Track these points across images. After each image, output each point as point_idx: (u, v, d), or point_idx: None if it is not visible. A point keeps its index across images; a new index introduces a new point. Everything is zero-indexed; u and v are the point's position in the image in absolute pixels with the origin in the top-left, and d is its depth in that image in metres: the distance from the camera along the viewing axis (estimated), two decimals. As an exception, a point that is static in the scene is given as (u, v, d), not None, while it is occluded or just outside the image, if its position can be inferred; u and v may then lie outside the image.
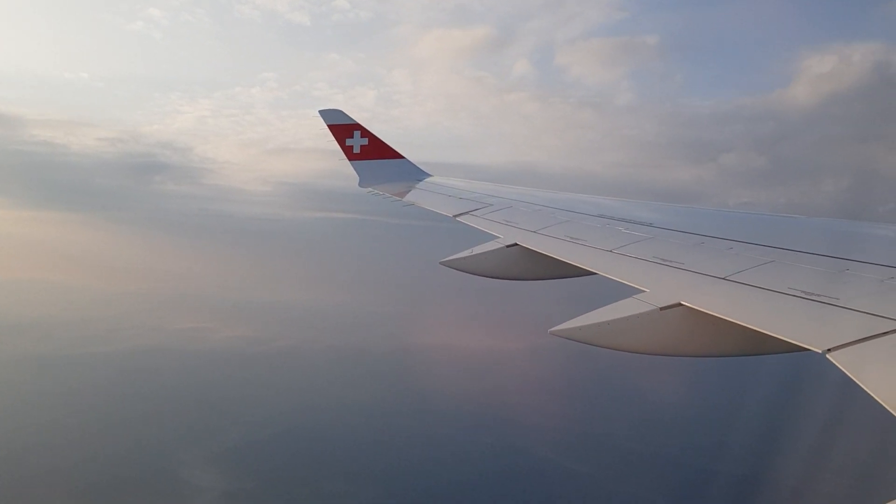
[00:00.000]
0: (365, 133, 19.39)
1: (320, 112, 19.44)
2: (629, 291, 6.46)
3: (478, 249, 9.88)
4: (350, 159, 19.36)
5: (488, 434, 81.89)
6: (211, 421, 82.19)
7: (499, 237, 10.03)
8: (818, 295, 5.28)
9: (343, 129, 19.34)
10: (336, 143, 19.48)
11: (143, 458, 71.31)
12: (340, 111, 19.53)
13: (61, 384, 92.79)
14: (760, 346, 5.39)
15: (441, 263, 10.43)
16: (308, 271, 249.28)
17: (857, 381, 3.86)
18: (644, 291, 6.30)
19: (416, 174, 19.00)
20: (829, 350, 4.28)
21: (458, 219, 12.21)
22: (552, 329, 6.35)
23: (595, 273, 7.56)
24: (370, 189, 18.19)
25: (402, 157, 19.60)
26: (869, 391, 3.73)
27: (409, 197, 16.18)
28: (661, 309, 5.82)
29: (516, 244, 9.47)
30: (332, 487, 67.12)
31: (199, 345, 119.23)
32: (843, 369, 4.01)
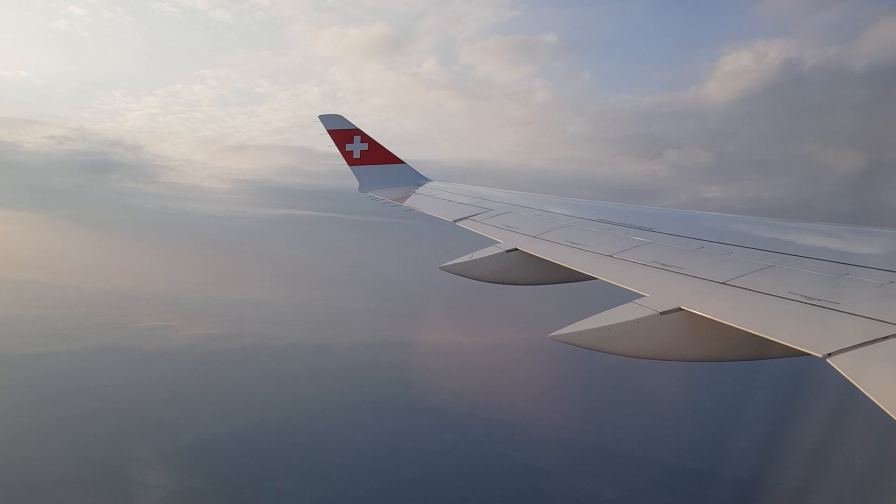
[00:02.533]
0: (365, 138, 19.40)
1: (320, 117, 19.46)
2: (629, 296, 6.46)
3: (478, 254, 9.88)
4: (350, 164, 19.37)
5: (453, 430, 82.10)
6: (169, 418, 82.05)
7: (499, 242, 10.02)
8: (818, 299, 5.27)
9: (343, 133, 19.36)
10: (331, 145, 19.50)
11: (94, 456, 71.07)
12: (341, 116, 19.55)
13: (21, 382, 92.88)
14: (761, 350, 5.38)
15: (441, 268, 10.42)
16: (273, 269, 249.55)
17: (858, 386, 3.85)
18: (644, 296, 6.30)
19: (415, 179, 19.00)
20: (829, 354, 4.28)
21: (457, 224, 12.21)
22: (552, 334, 6.34)
23: (595, 278, 7.55)
24: (370, 194, 18.18)
25: (401, 162, 19.62)
26: (870, 395, 3.72)
27: (409, 202, 16.18)
28: (662, 314, 5.82)
29: (516, 249, 9.46)
30: (280, 485, 67.01)
31: (162, 342, 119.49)
32: (844, 374, 4.00)
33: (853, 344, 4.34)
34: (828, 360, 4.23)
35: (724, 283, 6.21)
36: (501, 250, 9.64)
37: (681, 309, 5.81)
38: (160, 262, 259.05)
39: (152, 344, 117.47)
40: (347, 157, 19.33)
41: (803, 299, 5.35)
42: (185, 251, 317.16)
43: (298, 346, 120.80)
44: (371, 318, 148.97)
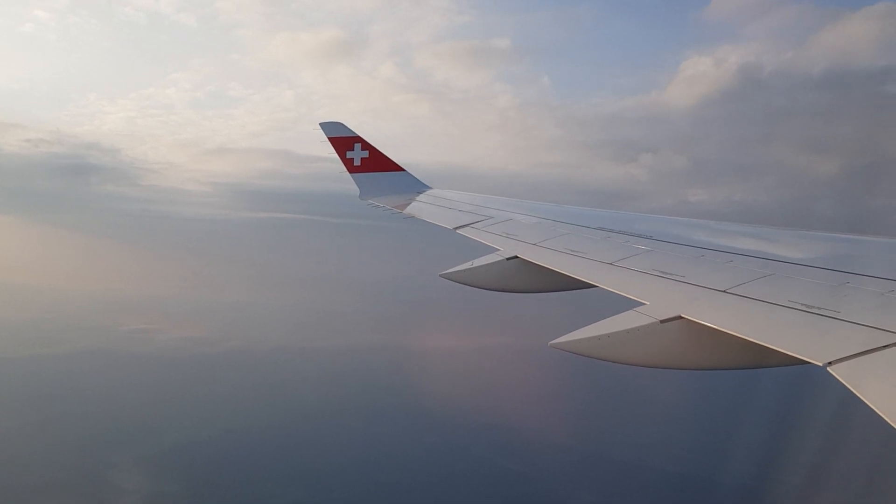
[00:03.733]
0: (366, 146, 19.43)
1: (321, 125, 19.49)
2: (629, 304, 6.46)
3: (478, 262, 9.88)
4: (350, 172, 19.39)
5: (437, 435, 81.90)
6: (150, 422, 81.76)
7: (499, 250, 10.03)
8: (819, 308, 5.27)
9: (344, 141, 19.39)
10: (335, 153, 19.52)
11: (72, 460, 70.79)
12: (341, 124, 19.59)
13: (1, 386, 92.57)
14: (761, 359, 5.38)
15: (441, 276, 10.43)
16: (257, 272, 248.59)
17: (858, 395, 3.85)
18: (644, 304, 6.30)
19: (416, 186, 19.03)
20: (829, 363, 4.27)
21: (458, 231, 12.22)
22: (552, 342, 6.34)
23: (595, 286, 7.55)
24: (371, 201, 18.21)
25: (402, 169, 19.65)
26: (870, 404, 3.72)
27: (410, 209, 16.20)
28: (662, 322, 5.82)
29: (516, 257, 9.47)
30: (258, 489, 66.80)
31: (146, 346, 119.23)
32: (844, 382, 4.00)
33: (853, 352, 4.34)
34: (828, 369, 4.23)
35: (724, 292, 6.21)
36: (501, 258, 9.65)
37: (681, 317, 5.81)
38: (144, 266, 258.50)
39: (136, 348, 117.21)
40: (348, 164, 19.36)
41: (803, 308, 5.35)
42: (169, 254, 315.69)
43: (283, 349, 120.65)
44: (358, 322, 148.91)
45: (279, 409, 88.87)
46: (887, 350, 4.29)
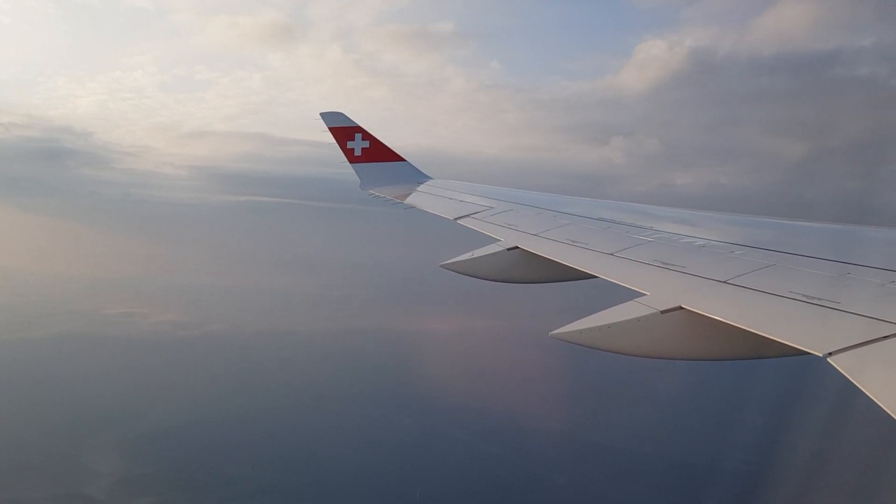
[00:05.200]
0: (366, 136, 19.40)
1: (322, 115, 19.44)
2: (630, 295, 6.46)
3: (478, 252, 9.88)
4: (351, 162, 19.36)
5: (415, 418, 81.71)
6: (129, 406, 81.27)
7: (499, 240, 10.03)
8: (819, 299, 5.28)
9: (344, 131, 19.35)
10: (336, 144, 19.48)
11: (47, 444, 70.50)
12: (342, 114, 19.54)
13: None
14: (761, 349, 5.39)
15: (441, 266, 10.43)
16: (240, 256, 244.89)
17: (858, 385, 3.86)
18: (645, 295, 6.30)
19: (416, 177, 19.02)
20: (830, 354, 4.28)
21: (458, 222, 12.21)
22: (553, 332, 6.35)
23: (596, 276, 7.56)
24: (371, 191, 18.20)
25: (403, 159, 19.63)
26: (870, 395, 3.73)
27: (410, 200, 16.20)
28: (662, 312, 5.83)
29: (517, 247, 9.47)
30: (231, 472, 66.61)
31: (128, 329, 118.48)
32: (844, 373, 4.01)
33: (854, 343, 4.35)
34: (828, 360, 4.24)
35: (724, 282, 6.22)
36: (502, 248, 9.65)
37: (681, 308, 5.82)
38: (125, 250, 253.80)
39: (118, 331, 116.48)
40: (348, 154, 19.33)
41: (804, 298, 5.36)
42: (150, 238, 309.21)
43: (266, 333, 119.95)
44: (344, 307, 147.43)
45: (259, 393, 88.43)
46: (887, 341, 4.30)
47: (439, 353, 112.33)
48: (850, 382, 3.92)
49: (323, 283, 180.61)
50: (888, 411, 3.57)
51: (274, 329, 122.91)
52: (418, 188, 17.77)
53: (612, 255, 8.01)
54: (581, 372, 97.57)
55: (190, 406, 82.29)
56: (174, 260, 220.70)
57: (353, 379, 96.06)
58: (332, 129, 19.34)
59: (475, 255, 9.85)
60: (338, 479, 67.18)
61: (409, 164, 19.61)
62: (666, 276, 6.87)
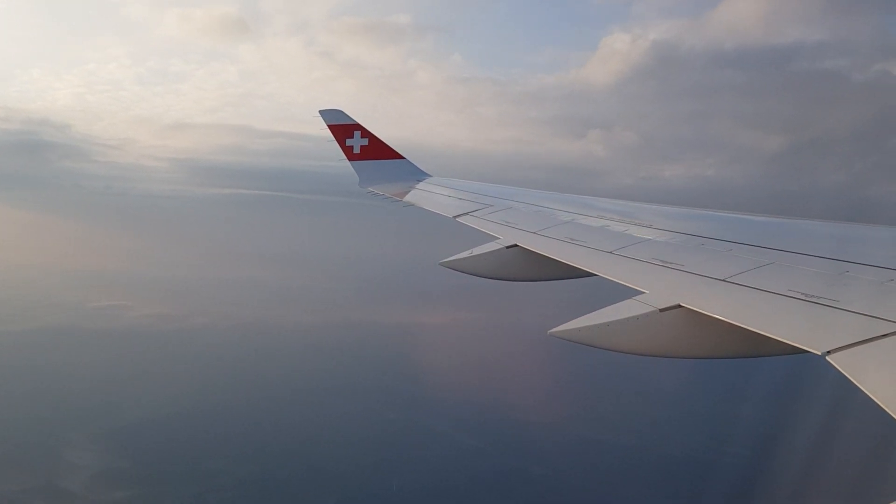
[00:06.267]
0: (365, 133, 19.40)
1: (321, 112, 19.43)
2: (629, 293, 6.46)
3: (477, 250, 9.89)
4: (350, 159, 19.37)
5: (394, 411, 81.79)
6: (112, 399, 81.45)
7: (498, 238, 10.03)
8: (818, 297, 5.28)
9: (343, 129, 19.34)
10: (336, 142, 19.47)
11: (27, 436, 70.77)
12: (341, 111, 19.53)
13: None
14: (760, 347, 5.39)
15: (440, 264, 10.44)
16: (224, 248, 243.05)
17: (857, 383, 3.86)
18: (643, 293, 6.31)
19: (415, 174, 19.04)
20: (828, 352, 4.29)
21: (457, 219, 12.22)
22: (551, 330, 6.35)
23: (595, 274, 7.56)
24: (371, 189, 18.22)
25: (402, 157, 19.64)
26: (868, 393, 3.73)
27: (409, 197, 16.21)
28: (661, 310, 5.83)
29: (516, 245, 9.47)
30: (210, 466, 66.72)
31: (113, 322, 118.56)
32: (843, 371, 4.01)
33: (852, 341, 4.35)
34: (827, 358, 4.24)
35: (723, 281, 6.22)
36: (501, 246, 9.65)
37: (680, 306, 5.82)
38: (110, 243, 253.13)
39: (103, 324, 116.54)
40: (347, 152, 19.33)
41: (802, 297, 5.36)
42: (135, 231, 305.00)
43: (249, 326, 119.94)
44: (332, 301, 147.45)
45: (241, 386, 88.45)
46: (886, 339, 4.30)
47: (430, 349, 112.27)
48: (849, 381, 3.93)
49: (310, 276, 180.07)
50: (886, 409, 3.58)
51: (258, 322, 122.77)
52: (417, 186, 17.79)
53: (610, 253, 8.02)
54: (576, 368, 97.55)
55: (172, 399, 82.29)
56: (159, 253, 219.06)
57: (338, 373, 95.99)
58: (331, 127, 19.34)
59: (474, 253, 9.85)
60: (316, 473, 67.31)
61: (408, 161, 19.63)
62: (664, 275, 6.87)
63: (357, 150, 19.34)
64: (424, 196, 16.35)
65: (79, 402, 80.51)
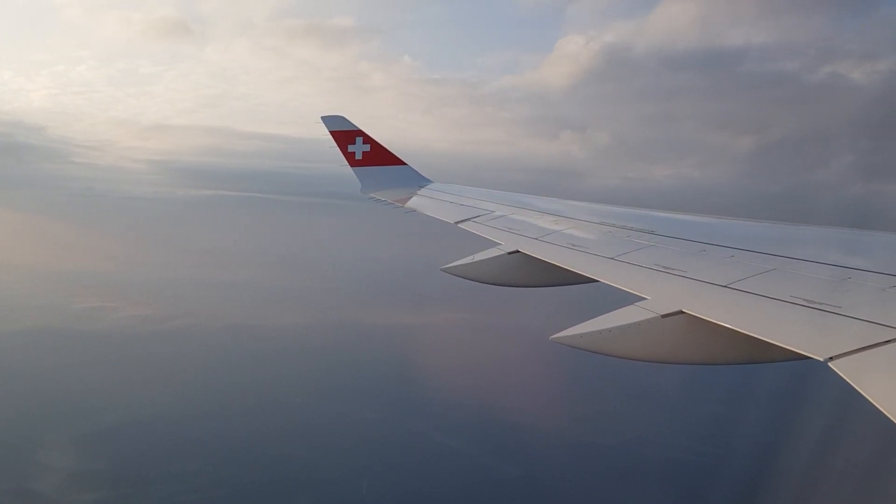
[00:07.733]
0: (367, 139, 19.43)
1: (323, 119, 19.47)
2: (631, 299, 6.46)
3: (479, 256, 9.89)
4: (352, 165, 19.40)
5: (374, 412, 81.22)
6: (93, 401, 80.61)
7: (500, 244, 10.04)
8: (820, 303, 5.27)
9: (345, 135, 19.38)
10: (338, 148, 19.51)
11: (3, 438, 70.08)
12: (343, 117, 19.57)
13: None
14: (762, 353, 5.39)
15: (442, 270, 10.44)
16: (210, 249, 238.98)
17: (859, 390, 3.85)
18: (645, 299, 6.30)
19: (417, 181, 19.06)
20: (830, 358, 4.28)
21: (459, 225, 12.23)
22: (553, 336, 6.34)
23: (596, 280, 7.56)
24: (372, 195, 18.24)
25: (404, 163, 19.67)
26: (871, 399, 3.72)
27: (411, 203, 16.22)
28: (663, 316, 5.82)
29: (518, 251, 9.47)
30: (185, 468, 66.00)
31: (98, 324, 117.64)
32: (845, 377, 4.01)
33: (855, 348, 4.35)
34: (829, 364, 4.23)
35: (725, 287, 6.21)
36: (503, 252, 9.65)
37: (682, 312, 5.81)
38: (93, 244, 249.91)
39: (87, 326, 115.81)
40: (349, 158, 19.36)
41: (805, 303, 5.36)
42: (118, 232, 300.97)
43: (233, 328, 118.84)
44: (321, 302, 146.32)
45: (223, 388, 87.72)
46: (888, 345, 4.30)
47: (428, 352, 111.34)
48: (852, 387, 3.92)
49: (300, 279, 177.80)
50: (889, 416, 3.57)
51: (242, 324, 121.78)
52: (419, 192, 17.80)
53: (612, 259, 8.02)
54: (577, 373, 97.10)
55: (153, 401, 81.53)
56: (145, 255, 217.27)
57: (326, 375, 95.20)
58: (333, 133, 19.38)
59: (476, 259, 9.85)
60: (295, 475, 66.63)
61: (410, 167, 19.66)
62: (666, 280, 6.87)
63: (359, 157, 19.37)
64: (426, 202, 16.37)
65: (58, 404, 79.70)
